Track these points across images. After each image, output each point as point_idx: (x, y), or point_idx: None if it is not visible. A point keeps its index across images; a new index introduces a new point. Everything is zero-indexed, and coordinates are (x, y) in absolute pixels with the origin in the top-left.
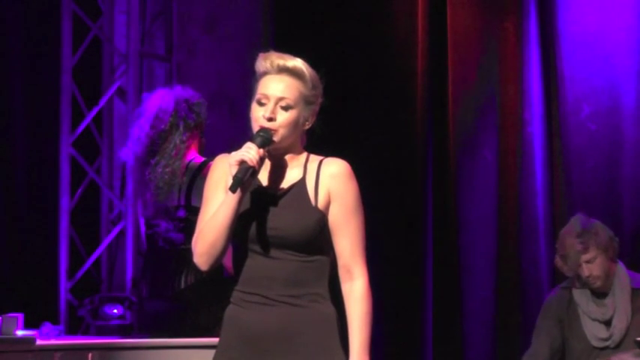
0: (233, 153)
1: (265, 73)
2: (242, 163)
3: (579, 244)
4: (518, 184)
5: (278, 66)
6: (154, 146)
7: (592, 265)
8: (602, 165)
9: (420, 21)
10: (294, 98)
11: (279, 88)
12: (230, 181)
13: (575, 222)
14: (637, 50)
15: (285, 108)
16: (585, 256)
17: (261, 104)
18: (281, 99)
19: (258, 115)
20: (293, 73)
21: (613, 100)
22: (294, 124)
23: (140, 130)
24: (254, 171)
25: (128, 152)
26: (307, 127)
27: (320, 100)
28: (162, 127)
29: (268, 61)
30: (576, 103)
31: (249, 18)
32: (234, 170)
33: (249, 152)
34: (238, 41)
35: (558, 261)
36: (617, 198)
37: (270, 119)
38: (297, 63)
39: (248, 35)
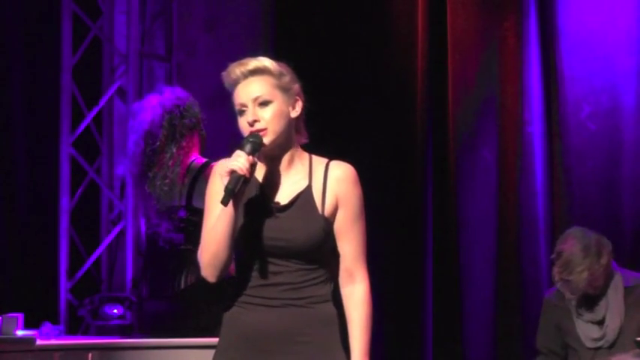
0: (226, 162)
1: (235, 85)
2: (232, 172)
3: (586, 273)
4: (518, 184)
5: (242, 73)
6: (151, 161)
7: (596, 284)
8: (602, 165)
9: (420, 21)
10: (269, 92)
11: (250, 89)
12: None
13: (577, 245)
14: (637, 50)
15: (264, 104)
16: (592, 282)
17: (242, 114)
18: (256, 98)
19: (244, 124)
20: (257, 72)
21: (613, 100)
22: (280, 115)
23: (135, 148)
24: (245, 179)
25: (125, 169)
26: (296, 114)
27: (297, 86)
28: (157, 143)
29: (231, 74)
30: (576, 103)
31: (249, 18)
32: (225, 181)
33: (239, 161)
34: (238, 41)
35: (557, 278)
36: (617, 198)
37: (255, 121)
38: (258, 61)
39: (248, 35)
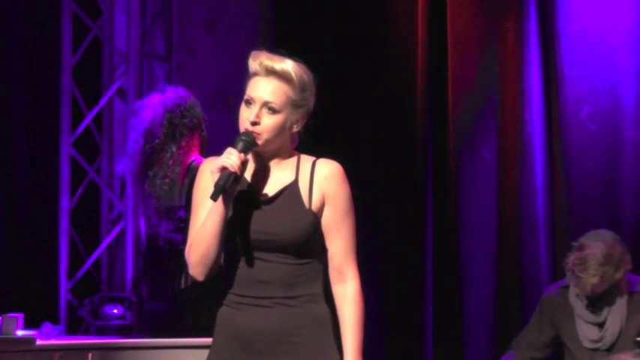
0: (214, 159)
1: (255, 74)
2: (223, 169)
3: (597, 278)
4: (518, 184)
5: (266, 68)
6: (150, 159)
7: (598, 290)
8: (602, 165)
9: (420, 21)
10: (280, 102)
11: (266, 91)
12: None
13: (603, 250)
14: (637, 50)
15: (271, 112)
16: (598, 287)
17: (247, 105)
18: (266, 103)
19: (244, 118)
20: (281, 76)
21: (613, 100)
22: (280, 129)
23: (135, 146)
24: (236, 176)
25: (125, 167)
26: (296, 130)
27: (312, 100)
28: (156, 141)
29: (258, 61)
30: (576, 103)
31: (249, 18)
32: (215, 177)
33: (230, 158)
34: (238, 41)
35: (569, 266)
36: (617, 198)
37: (255, 123)
38: (286, 66)
39: (248, 35)
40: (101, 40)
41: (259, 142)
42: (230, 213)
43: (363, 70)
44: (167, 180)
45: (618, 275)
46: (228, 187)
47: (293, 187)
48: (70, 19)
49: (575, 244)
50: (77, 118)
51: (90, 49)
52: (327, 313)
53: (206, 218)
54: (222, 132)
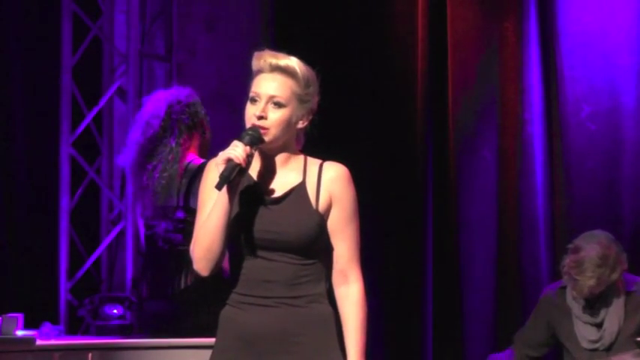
0: (220, 153)
1: (259, 72)
2: (229, 161)
3: (594, 280)
4: (518, 184)
5: (270, 65)
6: (148, 152)
7: (596, 291)
8: (602, 165)
9: (420, 21)
10: (286, 97)
11: (271, 86)
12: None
13: (598, 251)
14: (637, 50)
15: (277, 106)
16: (595, 289)
17: (253, 102)
18: (272, 97)
19: (250, 114)
20: (285, 71)
21: (613, 100)
22: (286, 123)
23: (132, 137)
24: (241, 169)
25: (123, 158)
26: (302, 126)
27: (316, 98)
28: (152, 132)
29: (262, 59)
30: (576, 103)
31: (249, 18)
32: (221, 169)
33: (236, 150)
34: (238, 41)
35: (565, 269)
36: (617, 198)
37: (261, 117)
38: (290, 62)
39: (248, 35)
40: (101, 40)
41: (266, 137)
42: (237, 211)
43: (363, 70)
44: (165, 174)
45: (615, 276)
46: (232, 178)
47: (300, 187)
48: (70, 19)
49: (570, 246)
50: (77, 118)
51: (90, 49)
52: (330, 314)
53: (210, 212)
54: (222, 132)
